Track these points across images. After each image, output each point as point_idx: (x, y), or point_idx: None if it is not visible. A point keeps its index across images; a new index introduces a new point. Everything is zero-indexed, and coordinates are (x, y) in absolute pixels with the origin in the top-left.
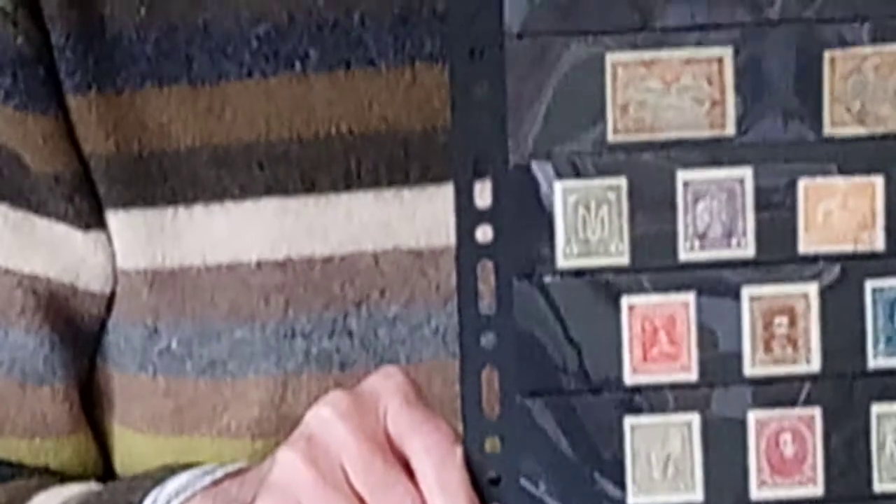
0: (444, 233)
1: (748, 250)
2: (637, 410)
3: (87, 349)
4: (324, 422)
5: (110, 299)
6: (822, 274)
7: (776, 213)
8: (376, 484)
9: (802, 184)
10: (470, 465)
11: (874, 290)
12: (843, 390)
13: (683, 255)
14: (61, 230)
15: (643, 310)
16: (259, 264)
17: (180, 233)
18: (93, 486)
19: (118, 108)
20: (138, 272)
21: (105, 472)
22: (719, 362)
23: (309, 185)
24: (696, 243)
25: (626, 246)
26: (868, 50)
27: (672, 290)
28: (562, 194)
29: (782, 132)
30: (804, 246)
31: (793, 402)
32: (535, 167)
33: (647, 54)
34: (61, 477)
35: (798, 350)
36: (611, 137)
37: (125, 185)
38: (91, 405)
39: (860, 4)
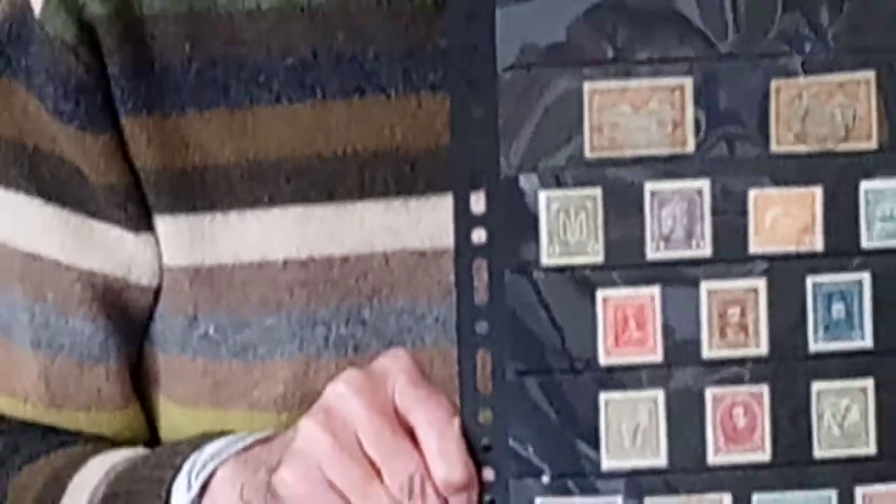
0: (445, 236)
1: (706, 250)
2: (610, 387)
3: (137, 334)
4: (340, 396)
5: (157, 292)
6: (769, 271)
7: (730, 219)
8: (385, 450)
9: (752, 194)
10: (466, 434)
11: (814, 285)
12: (788, 370)
13: (650, 255)
14: (115, 233)
15: (615, 301)
16: (285, 263)
17: (217, 236)
18: (140, 451)
19: (165, 129)
20: (181, 269)
21: (152, 439)
22: (681, 346)
23: (328, 196)
24: (661, 244)
25: (600, 246)
26: (807, 80)
27: (640, 284)
28: (545, 202)
29: (735, 150)
30: (754, 247)
31: (744, 381)
32: (523, 179)
33: (619, 83)
34: (113, 443)
35: (748, 336)
36: (588, 154)
37: (170, 195)
38: (140, 382)
39: (800, 42)
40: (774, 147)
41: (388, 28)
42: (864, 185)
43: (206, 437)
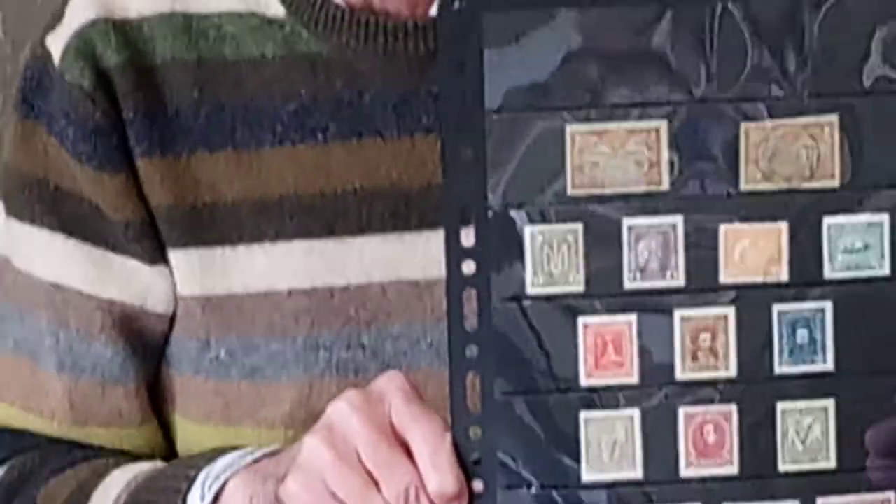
0: (437, 267)
1: (679, 281)
2: (590, 406)
3: (154, 357)
4: (341, 414)
5: (172, 319)
6: (738, 299)
7: (701, 252)
8: (383, 463)
9: (722, 228)
10: (457, 449)
11: (779, 313)
12: (755, 391)
13: (628, 285)
14: (133, 265)
15: (596, 327)
16: (290, 292)
17: (227, 267)
18: (158, 464)
19: (177, 169)
20: (194, 298)
21: (169, 453)
22: (656, 369)
23: (330, 230)
24: (638, 275)
25: (582, 277)
26: (775, 123)
27: (619, 312)
28: (531, 236)
29: (707, 188)
30: (724, 277)
31: (714, 401)
32: (510, 214)
33: (599, 126)
34: (134, 457)
35: (718, 359)
36: (570, 191)
37: (183, 230)
38: (157, 401)
39: (768, 87)
40: (743, 185)
41: (384, 75)
42: (827, 220)
43: (219, 451)
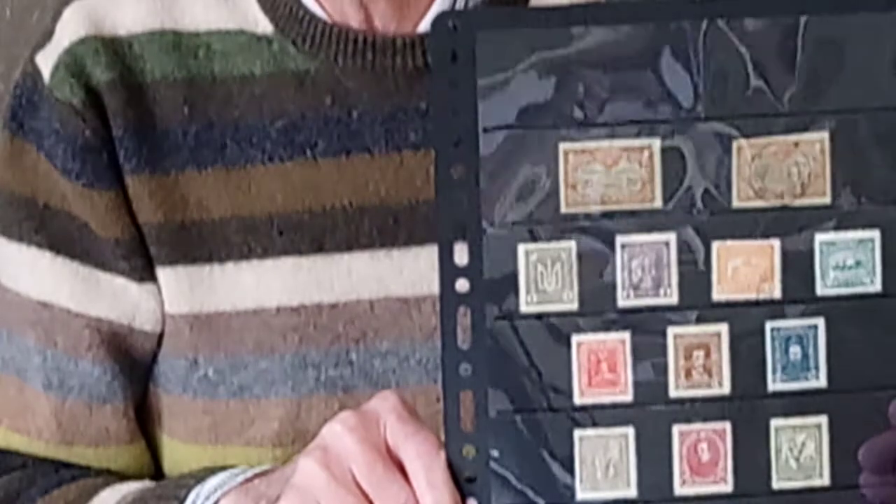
0: (426, 284)
1: (672, 298)
2: (584, 425)
3: (141, 376)
4: (335, 435)
5: (160, 337)
6: (731, 317)
7: (694, 269)
8: (378, 483)
9: (715, 245)
10: (451, 467)
11: (772, 329)
12: (748, 408)
13: (621, 302)
14: (121, 282)
15: (589, 346)
16: (278, 310)
17: (215, 285)
18: (147, 484)
19: (166, 187)
20: (182, 316)
21: (157, 474)
22: (649, 387)
23: (318, 247)
24: (631, 293)
25: (575, 295)
26: (767, 140)
27: (612, 329)
28: (524, 254)
29: (699, 205)
30: (717, 294)
31: (708, 418)
32: (503, 232)
33: (592, 144)
34: (122, 477)
35: (712, 377)
36: (563, 209)
37: (171, 247)
38: (145, 420)
39: (759, 104)
40: (736, 202)
41: (372, 91)
42: (819, 237)
43: (210, 471)
